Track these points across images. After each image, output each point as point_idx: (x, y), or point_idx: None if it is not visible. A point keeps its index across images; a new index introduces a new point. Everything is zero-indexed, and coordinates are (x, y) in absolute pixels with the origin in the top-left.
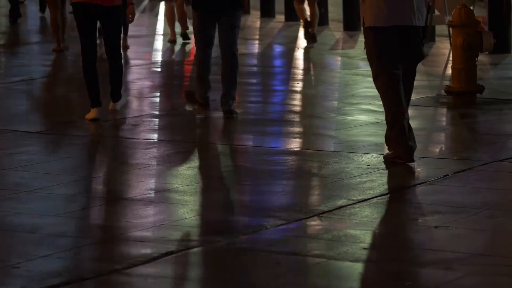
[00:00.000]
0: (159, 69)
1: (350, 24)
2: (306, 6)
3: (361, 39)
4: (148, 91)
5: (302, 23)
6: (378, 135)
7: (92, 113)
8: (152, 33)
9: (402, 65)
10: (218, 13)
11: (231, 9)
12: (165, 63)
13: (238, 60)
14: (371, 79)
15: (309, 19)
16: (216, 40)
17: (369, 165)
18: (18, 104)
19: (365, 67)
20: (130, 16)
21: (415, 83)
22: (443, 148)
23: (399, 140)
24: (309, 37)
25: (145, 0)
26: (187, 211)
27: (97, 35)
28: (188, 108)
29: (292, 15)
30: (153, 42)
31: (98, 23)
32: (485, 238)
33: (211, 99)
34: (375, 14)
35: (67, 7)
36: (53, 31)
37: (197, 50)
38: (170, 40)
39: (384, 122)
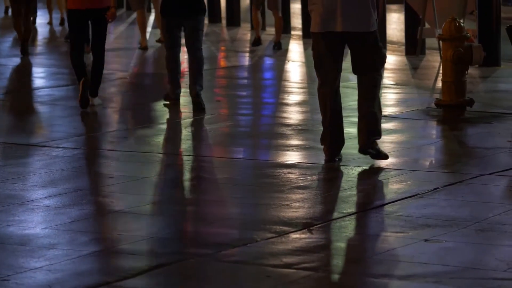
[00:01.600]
0: (143, 81)
1: None
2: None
3: (347, 50)
4: (137, 102)
5: (256, 30)
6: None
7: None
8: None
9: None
10: (182, 19)
11: (194, 15)
12: (147, 75)
13: (202, 56)
14: None
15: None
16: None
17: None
18: (5, 116)
19: (355, 80)
20: (109, 19)
21: (404, 95)
22: (433, 161)
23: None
24: (274, 45)
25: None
26: (177, 224)
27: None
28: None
29: (283, 28)
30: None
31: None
32: (475, 251)
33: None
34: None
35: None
36: (18, 35)
37: (167, 50)
38: (142, 47)
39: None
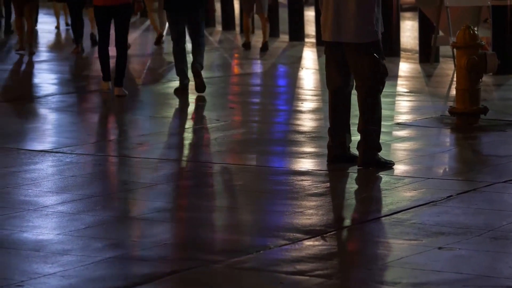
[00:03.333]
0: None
1: None
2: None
3: None
4: (153, 109)
5: (245, 35)
6: (382, 155)
7: (105, 85)
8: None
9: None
10: (185, 12)
11: (195, 8)
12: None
13: (203, 40)
14: None
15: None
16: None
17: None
18: (20, 122)
19: None
20: (137, 11)
21: (418, 103)
22: (447, 169)
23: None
24: (262, 47)
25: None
26: (191, 230)
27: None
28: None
29: (297, 35)
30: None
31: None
32: (488, 259)
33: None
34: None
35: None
36: (18, 33)
37: (172, 42)
38: (158, 36)
39: (388, 142)
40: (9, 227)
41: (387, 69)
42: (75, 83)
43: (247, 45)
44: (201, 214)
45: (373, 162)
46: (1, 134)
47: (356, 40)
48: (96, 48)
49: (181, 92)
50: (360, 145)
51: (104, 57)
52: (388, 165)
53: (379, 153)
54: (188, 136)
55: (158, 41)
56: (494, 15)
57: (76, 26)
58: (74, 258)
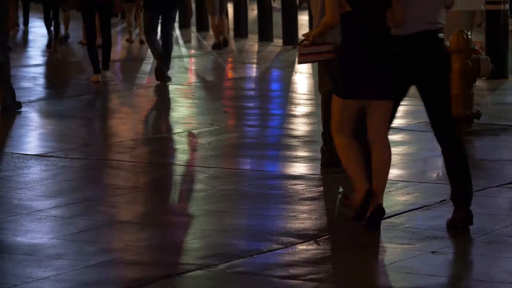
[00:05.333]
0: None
1: None
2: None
3: None
4: (146, 113)
5: (215, 36)
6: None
7: (95, 77)
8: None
9: None
10: (159, 10)
11: (169, 7)
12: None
13: (171, 40)
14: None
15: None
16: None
17: None
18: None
19: None
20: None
21: (412, 107)
22: (440, 173)
23: None
24: (222, 43)
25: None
26: (184, 234)
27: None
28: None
29: (290, 39)
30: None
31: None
32: (481, 263)
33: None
34: None
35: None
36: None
37: (145, 35)
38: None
39: None
40: (2, 231)
41: None
42: (70, 86)
43: (217, 46)
44: (194, 219)
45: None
46: None
47: None
48: (65, 48)
49: (163, 79)
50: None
51: (93, 52)
52: None
53: None
54: (181, 140)
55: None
56: (488, 19)
57: (50, 25)
58: (67, 262)
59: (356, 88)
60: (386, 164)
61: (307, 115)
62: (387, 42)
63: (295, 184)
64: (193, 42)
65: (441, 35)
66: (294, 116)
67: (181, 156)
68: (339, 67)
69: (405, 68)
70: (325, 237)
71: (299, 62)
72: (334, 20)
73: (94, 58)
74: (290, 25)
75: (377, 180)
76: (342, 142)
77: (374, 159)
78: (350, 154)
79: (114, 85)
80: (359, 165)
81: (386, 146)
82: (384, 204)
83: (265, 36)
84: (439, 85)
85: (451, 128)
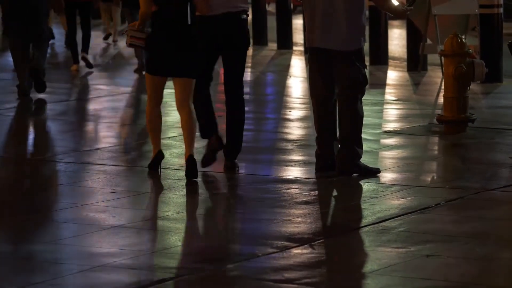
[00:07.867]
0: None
1: None
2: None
3: None
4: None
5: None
6: (370, 163)
7: (74, 67)
8: None
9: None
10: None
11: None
12: None
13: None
14: (366, 107)
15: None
16: None
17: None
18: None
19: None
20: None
21: (406, 111)
22: (435, 177)
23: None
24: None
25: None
26: (179, 238)
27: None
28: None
29: (285, 43)
30: None
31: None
32: (476, 267)
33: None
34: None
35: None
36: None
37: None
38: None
39: (376, 150)
40: None
41: (367, 78)
42: (63, 91)
43: (107, 37)
44: (189, 223)
45: (353, 170)
46: None
47: (345, 48)
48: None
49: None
50: (339, 153)
51: (73, 45)
52: (373, 172)
53: (361, 161)
54: (175, 144)
55: (107, 37)
56: (482, 23)
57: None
58: (62, 266)
59: (159, 67)
60: (192, 124)
61: (301, 119)
62: (184, 32)
63: (290, 188)
64: None
65: (244, 16)
66: (289, 120)
67: (176, 160)
68: (147, 50)
69: (214, 40)
70: (319, 241)
71: (128, 45)
72: (147, 10)
73: (74, 50)
74: (285, 29)
75: (186, 138)
76: (150, 109)
77: (183, 125)
78: (154, 121)
79: (107, 89)
80: (156, 132)
81: (190, 111)
82: (379, 208)
83: (259, 40)
84: (238, 54)
85: (241, 88)
